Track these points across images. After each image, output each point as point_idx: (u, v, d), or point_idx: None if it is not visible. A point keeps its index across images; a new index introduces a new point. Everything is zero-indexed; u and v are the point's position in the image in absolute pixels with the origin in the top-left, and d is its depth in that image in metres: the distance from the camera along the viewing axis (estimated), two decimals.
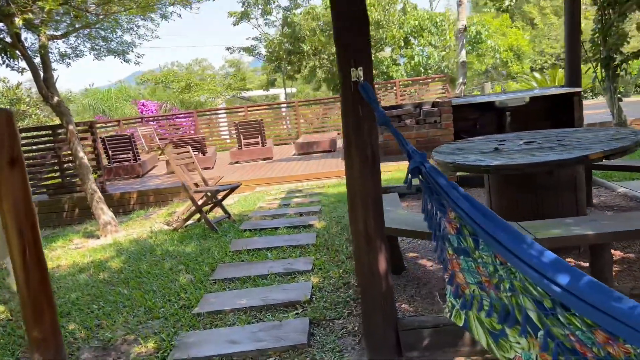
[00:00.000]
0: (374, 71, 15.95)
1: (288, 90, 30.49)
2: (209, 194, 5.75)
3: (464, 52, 7.50)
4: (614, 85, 7.70)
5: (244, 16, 17.35)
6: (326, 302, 3.54)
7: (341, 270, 4.08)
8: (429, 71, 15.66)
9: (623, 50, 7.60)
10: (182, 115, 16.54)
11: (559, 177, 3.49)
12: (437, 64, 15.14)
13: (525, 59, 26.77)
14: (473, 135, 5.94)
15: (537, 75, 16.94)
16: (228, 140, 15.76)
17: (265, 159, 11.52)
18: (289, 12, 17.04)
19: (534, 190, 3.51)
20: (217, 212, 6.52)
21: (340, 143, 12.61)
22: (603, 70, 7.82)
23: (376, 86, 15.97)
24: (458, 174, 5.80)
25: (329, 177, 8.67)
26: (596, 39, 7.69)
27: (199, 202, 5.87)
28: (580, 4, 5.81)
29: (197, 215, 5.93)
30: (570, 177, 3.54)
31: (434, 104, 5.82)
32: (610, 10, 7.24)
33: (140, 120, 16.02)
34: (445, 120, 5.55)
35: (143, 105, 20.91)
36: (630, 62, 7.64)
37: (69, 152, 6.99)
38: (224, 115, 16.45)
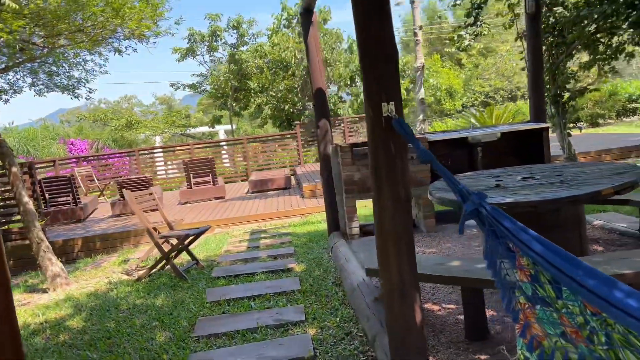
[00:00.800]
0: None
1: (227, 127, 30.13)
2: (179, 238, 5.30)
3: (422, 89, 7.62)
4: (563, 121, 8.07)
5: (190, 52, 17.02)
6: (332, 356, 3.23)
7: (338, 319, 3.79)
8: None
9: (570, 88, 8.03)
10: (118, 155, 15.73)
11: (565, 214, 3.45)
12: None
13: (456, 97, 28.13)
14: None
15: (474, 112, 17.71)
16: (170, 178, 15.10)
17: (217, 198, 11.06)
18: (235, 49, 16.93)
19: (539, 228, 3.42)
20: (182, 258, 6.03)
21: (294, 180, 12.40)
22: (552, 107, 8.20)
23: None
24: (435, 209, 5.73)
25: (292, 215, 8.39)
26: (545, 78, 8.08)
27: (165, 248, 5.39)
28: (541, 47, 6.07)
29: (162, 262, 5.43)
30: (575, 214, 3.51)
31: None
32: (559, 50, 7.65)
33: (76, 160, 15.03)
34: None
35: (72, 144, 19.78)
36: (577, 98, 8.08)
37: (11, 196, 6.28)
38: (163, 153, 15.81)
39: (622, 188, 3.08)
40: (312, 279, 4.77)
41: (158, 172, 15.17)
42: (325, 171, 5.97)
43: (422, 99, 7.56)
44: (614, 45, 6.87)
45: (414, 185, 5.58)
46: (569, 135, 8.24)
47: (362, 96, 15.52)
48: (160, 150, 15.62)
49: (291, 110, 16.09)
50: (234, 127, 21.83)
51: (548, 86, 8.21)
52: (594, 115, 19.74)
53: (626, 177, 3.25)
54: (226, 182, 14.44)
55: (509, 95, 27.96)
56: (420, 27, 8.24)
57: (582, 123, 19.65)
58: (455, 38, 7.51)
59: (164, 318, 4.16)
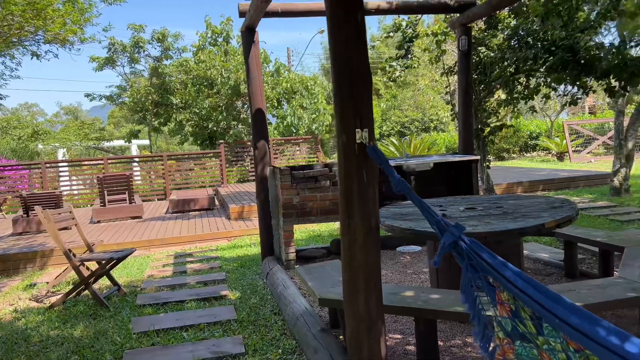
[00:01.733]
0: (247, 128, 15.81)
1: (141, 142, 28.78)
2: (103, 262, 4.84)
3: None
4: (483, 154, 8.54)
5: (109, 62, 16.07)
6: None
7: (280, 351, 3.62)
8: (300, 132, 16.02)
9: (490, 122, 8.54)
10: (16, 167, 14.36)
11: (507, 245, 3.57)
12: (307, 126, 15.57)
13: (374, 126, 29.05)
14: (381, 199, 5.99)
15: (394, 141, 18.36)
16: (77, 195, 14.02)
17: (134, 217, 10.40)
18: (158, 63, 16.27)
19: None
20: (101, 284, 5.53)
21: (217, 200, 12.01)
22: (474, 141, 8.66)
23: (248, 143, 15.83)
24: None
25: (219, 238, 8.06)
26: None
27: (83, 272, 4.90)
28: (472, 83, 6.40)
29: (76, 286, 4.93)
30: (514, 246, 3.64)
31: None
32: (481, 87, 8.13)
33: None
34: None
35: None
36: (497, 133, 8.60)
37: None
38: (68, 168, 14.70)
39: (563, 221, 3.25)
40: (248, 307, 4.55)
41: (62, 188, 14.01)
42: (262, 193, 5.80)
43: None
44: (531, 86, 7.43)
45: None
46: (488, 167, 8.73)
47: (288, 119, 15.54)
48: (66, 164, 14.48)
49: (215, 128, 15.70)
50: (147, 142, 20.88)
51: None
52: (500, 150, 21.24)
53: (564, 211, 3.43)
54: (143, 201, 13.67)
55: (423, 127, 29.37)
56: None
57: (489, 156, 21.08)
58: (387, 68, 7.75)
59: (85, 351, 3.74)
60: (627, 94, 6.92)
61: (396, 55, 7.87)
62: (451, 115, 10.28)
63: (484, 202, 4.14)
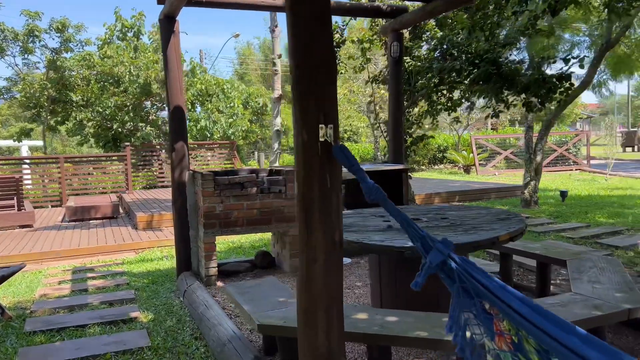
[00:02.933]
0: (156, 131, 14.83)
1: (34, 143, 26.17)
2: None
3: (279, 119, 7.36)
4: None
5: None
6: None
7: None
8: (214, 137, 15.28)
9: (413, 133, 8.56)
10: None
11: None
12: (224, 130, 14.89)
13: (290, 135, 28.88)
14: None
15: None
16: None
17: (24, 226, 9.16)
18: (56, 55, 14.71)
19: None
20: None
21: (122, 208, 10.99)
22: None
23: (157, 147, 14.83)
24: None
25: (125, 251, 7.24)
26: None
27: None
28: (402, 91, 6.28)
29: None
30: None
31: (276, 172, 5.37)
32: (404, 97, 8.12)
33: None
34: (291, 190, 5.13)
35: None
36: (419, 144, 8.63)
37: None
38: None
39: (516, 234, 3.09)
40: (164, 331, 3.96)
41: None
42: (179, 200, 5.21)
43: (277, 130, 7.31)
44: (454, 98, 7.52)
45: (284, 222, 5.17)
46: (410, 177, 8.72)
47: (202, 122, 14.75)
48: None
49: (120, 130, 14.50)
50: (44, 143, 18.96)
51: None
52: (410, 162, 21.90)
53: (514, 223, 3.28)
54: (34, 207, 12.20)
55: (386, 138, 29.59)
56: (280, 56, 8.06)
57: (411, 167, 21.64)
58: None
59: None
60: (543, 109, 7.21)
61: None
62: (373, 124, 10.22)
63: (425, 212, 3.93)
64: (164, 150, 14.56)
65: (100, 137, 15.18)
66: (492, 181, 13.87)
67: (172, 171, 5.25)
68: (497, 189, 10.92)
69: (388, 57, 6.15)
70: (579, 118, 33.21)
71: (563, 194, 9.79)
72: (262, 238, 7.36)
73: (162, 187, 14.71)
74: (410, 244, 2.93)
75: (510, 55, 7.07)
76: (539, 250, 3.95)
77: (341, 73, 7.76)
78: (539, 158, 9.42)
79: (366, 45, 8.19)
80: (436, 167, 21.78)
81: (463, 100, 7.25)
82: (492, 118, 7.69)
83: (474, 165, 17.52)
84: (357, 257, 5.70)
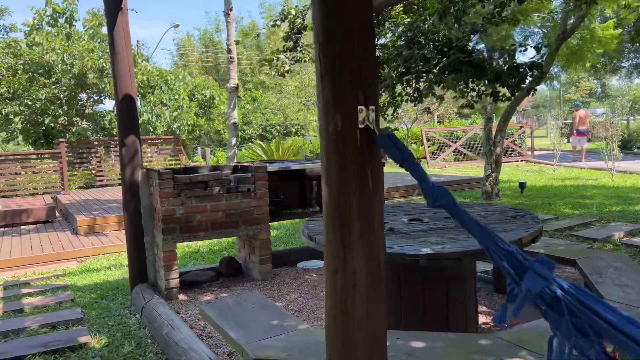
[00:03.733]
0: (94, 126, 13.72)
1: None
2: None
3: (235, 112, 6.73)
4: None
5: None
6: None
7: None
8: (158, 132, 14.34)
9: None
10: None
11: (465, 264, 2.98)
12: (168, 125, 13.99)
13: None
14: (280, 205, 5.17)
15: (262, 144, 17.59)
16: None
17: None
18: None
19: (444, 280, 2.89)
20: None
21: (58, 211, 9.96)
22: None
23: (95, 143, 13.71)
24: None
25: (65, 260, 6.43)
26: None
27: None
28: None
29: None
30: (471, 265, 3.08)
31: (242, 168, 4.83)
32: None
33: None
34: (261, 188, 4.61)
35: None
36: None
37: None
38: None
39: (537, 235, 2.76)
40: (122, 359, 3.35)
41: None
42: (132, 203, 4.55)
43: (234, 122, 6.70)
44: (420, 88, 7.21)
45: (254, 224, 4.64)
46: None
47: (145, 116, 13.78)
48: None
49: (52, 125, 13.29)
50: None
51: None
52: None
53: (530, 222, 2.95)
54: None
55: (285, 131, 29.11)
56: (237, 42, 7.40)
57: None
58: (275, 61, 6.91)
59: None
60: (512, 98, 7.04)
61: (284, 47, 7.07)
62: None
63: (422, 211, 3.54)
64: (102, 147, 13.51)
65: (29, 133, 13.88)
66: (445, 173, 13.84)
67: (122, 170, 4.58)
68: (456, 182, 10.81)
69: None
70: (519, 111, 34.42)
71: (522, 185, 9.80)
72: (220, 242, 6.76)
73: (101, 186, 13.65)
74: (426, 249, 2.52)
75: (477, 44, 6.85)
76: (543, 249, 3.66)
77: (305, 61, 7.25)
78: (498, 150, 9.34)
79: None
80: (384, 160, 21.75)
81: (432, 91, 6.94)
82: (463, 109, 7.45)
83: (425, 158, 17.53)
84: None
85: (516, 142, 18.69)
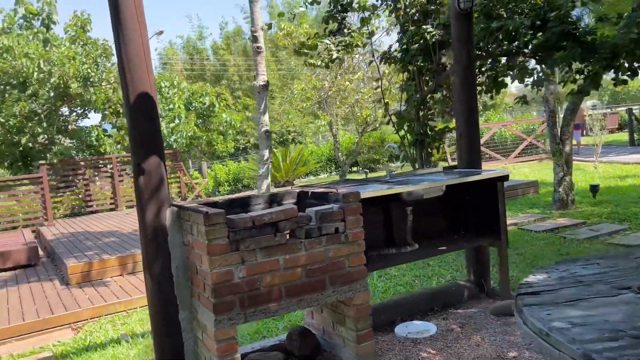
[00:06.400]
0: (77, 143, 12.01)
1: None
2: None
3: (267, 116, 5.19)
4: (427, 167, 6.62)
5: None
6: None
7: None
8: None
9: (434, 125, 6.65)
10: None
11: None
12: (164, 138, 12.29)
13: (229, 138, 26.19)
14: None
15: (274, 152, 15.98)
16: None
17: None
18: None
19: None
20: None
21: (42, 249, 8.21)
22: (414, 149, 6.70)
23: (81, 163, 11.97)
24: None
25: (55, 328, 4.72)
26: (411, 112, 6.51)
27: None
28: (474, 61, 4.30)
29: None
30: None
31: (317, 196, 3.22)
32: (431, 77, 6.19)
33: None
34: (353, 226, 3.01)
35: None
36: (443, 139, 6.76)
37: None
38: None
39: None
40: None
41: None
42: (159, 260, 2.91)
43: (266, 130, 5.14)
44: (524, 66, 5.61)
45: (346, 282, 3.03)
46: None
47: None
48: None
49: (30, 145, 11.53)
50: None
51: (409, 123, 6.70)
52: (369, 161, 20.19)
53: None
54: None
55: (281, 139, 27.48)
56: (269, 26, 5.81)
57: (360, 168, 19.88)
58: (320, 48, 5.33)
59: None
60: (634, 78, 5.54)
61: (326, 30, 5.48)
62: (384, 119, 8.21)
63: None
64: (90, 168, 11.76)
65: (4, 156, 12.09)
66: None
67: (140, 209, 2.94)
68: (508, 186, 9.25)
69: (451, 9, 4.16)
70: (509, 107, 33.08)
71: (594, 188, 8.30)
72: None
73: (91, 212, 11.88)
74: None
75: (578, 20, 5.35)
76: None
77: (357, 46, 5.58)
78: (567, 148, 7.85)
79: (371, 11, 6.13)
80: (394, 165, 20.23)
81: (534, 70, 5.37)
82: (573, 96, 5.93)
83: (447, 159, 16.00)
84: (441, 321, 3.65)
85: (539, 139, 17.30)
